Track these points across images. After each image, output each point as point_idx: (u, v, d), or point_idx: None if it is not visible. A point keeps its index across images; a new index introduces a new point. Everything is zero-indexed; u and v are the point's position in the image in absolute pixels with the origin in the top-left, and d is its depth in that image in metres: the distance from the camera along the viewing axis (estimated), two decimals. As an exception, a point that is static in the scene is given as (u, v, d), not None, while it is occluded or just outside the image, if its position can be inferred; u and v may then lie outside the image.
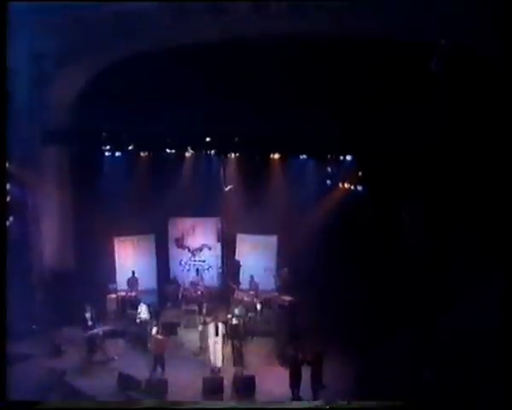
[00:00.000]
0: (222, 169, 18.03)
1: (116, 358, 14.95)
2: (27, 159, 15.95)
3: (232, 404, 12.77)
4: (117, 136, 16.16)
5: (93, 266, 17.59)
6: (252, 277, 18.28)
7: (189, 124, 15.35)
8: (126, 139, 16.13)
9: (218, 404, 12.68)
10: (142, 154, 17.76)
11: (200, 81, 15.29)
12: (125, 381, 13.22)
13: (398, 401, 10.85)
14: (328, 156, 17.41)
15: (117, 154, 17.38)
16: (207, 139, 15.91)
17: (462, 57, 13.88)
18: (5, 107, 9.36)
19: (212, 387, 13.25)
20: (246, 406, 12.67)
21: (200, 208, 18.93)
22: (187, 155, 17.03)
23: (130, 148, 16.29)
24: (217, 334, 14.22)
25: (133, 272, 18.09)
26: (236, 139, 15.88)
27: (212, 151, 16.23)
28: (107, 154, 17.50)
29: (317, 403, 12.17)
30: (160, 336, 14.20)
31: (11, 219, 15.52)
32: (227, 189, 18.24)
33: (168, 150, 16.44)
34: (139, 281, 18.04)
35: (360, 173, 17.24)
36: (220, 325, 14.38)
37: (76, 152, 17.28)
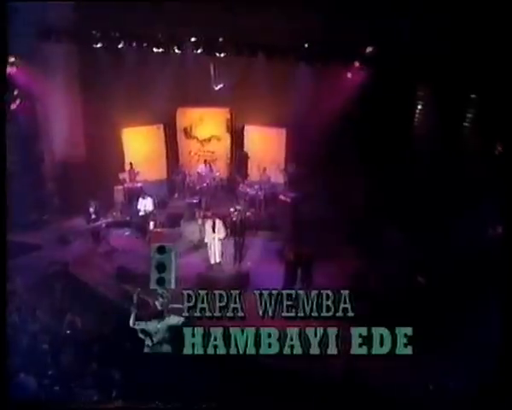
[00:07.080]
0: (212, 67, 17.36)
1: (119, 249, 15.46)
2: (30, 54, 15.79)
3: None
4: (107, 34, 16.14)
5: (102, 157, 17.72)
6: (259, 170, 18.21)
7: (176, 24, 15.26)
8: (116, 38, 16.00)
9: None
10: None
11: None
12: (123, 274, 13.70)
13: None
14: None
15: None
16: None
17: None
18: (4, 106, 9.39)
19: (206, 282, 13.60)
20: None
21: (209, 99, 18.46)
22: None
23: (120, 46, 16.18)
24: (214, 229, 14.23)
25: (131, 164, 18.16)
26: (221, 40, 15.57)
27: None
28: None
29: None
30: (158, 230, 14.49)
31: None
32: (217, 88, 17.68)
33: (155, 49, 16.26)
34: (143, 172, 18.11)
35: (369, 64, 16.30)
36: (217, 221, 14.35)
37: (78, 48, 16.95)
